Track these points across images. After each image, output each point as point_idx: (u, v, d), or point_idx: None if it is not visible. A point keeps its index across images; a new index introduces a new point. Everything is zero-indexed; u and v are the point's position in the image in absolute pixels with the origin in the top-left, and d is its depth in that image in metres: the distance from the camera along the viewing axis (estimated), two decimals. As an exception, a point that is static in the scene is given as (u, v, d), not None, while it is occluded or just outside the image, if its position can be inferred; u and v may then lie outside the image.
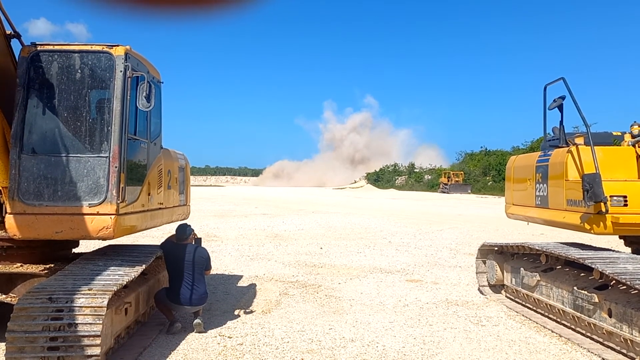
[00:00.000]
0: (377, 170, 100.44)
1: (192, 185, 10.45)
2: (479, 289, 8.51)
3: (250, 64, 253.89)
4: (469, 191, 63.17)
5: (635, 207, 5.79)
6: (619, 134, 6.90)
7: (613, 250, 6.37)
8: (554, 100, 6.64)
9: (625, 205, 5.78)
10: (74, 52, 5.35)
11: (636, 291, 5.06)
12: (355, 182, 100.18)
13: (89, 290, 4.52)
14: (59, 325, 4.27)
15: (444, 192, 63.95)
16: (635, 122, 6.79)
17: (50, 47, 5.35)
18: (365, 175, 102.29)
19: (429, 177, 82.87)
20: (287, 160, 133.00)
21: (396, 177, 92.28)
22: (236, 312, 6.99)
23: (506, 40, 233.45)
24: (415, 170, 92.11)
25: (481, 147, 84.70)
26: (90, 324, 4.28)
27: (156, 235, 11.99)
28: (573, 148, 6.31)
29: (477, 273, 8.63)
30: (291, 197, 45.81)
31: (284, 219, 22.27)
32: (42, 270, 5.46)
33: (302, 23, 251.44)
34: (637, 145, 6.50)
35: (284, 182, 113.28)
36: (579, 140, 6.53)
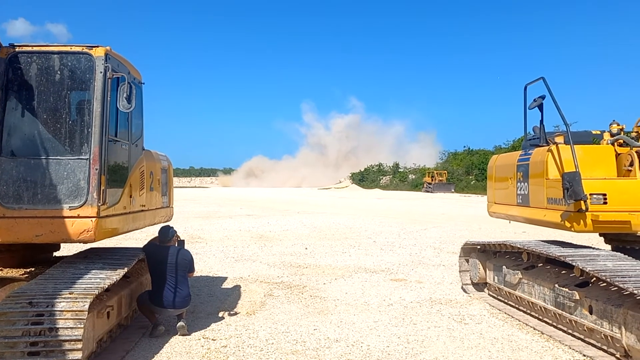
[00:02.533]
0: (362, 170, 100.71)
1: (176, 187, 10.38)
2: (462, 288, 8.58)
3: (231, 63, 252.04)
4: (453, 190, 63.69)
5: (615, 205, 5.88)
6: (598, 132, 6.98)
7: (593, 248, 6.45)
8: (534, 100, 6.71)
9: (605, 203, 5.86)
10: (53, 53, 5.28)
11: (616, 288, 5.13)
12: (340, 182, 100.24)
13: (70, 294, 4.46)
14: (40, 330, 4.20)
15: (428, 192, 64.40)
16: (614, 120, 6.89)
17: (29, 49, 5.28)
18: (350, 175, 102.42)
19: (413, 176, 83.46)
20: (267, 158, 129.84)
21: (381, 177, 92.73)
22: (220, 314, 6.96)
23: (487, 39, 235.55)
24: (399, 169, 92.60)
25: (464, 146, 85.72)
26: (71, 328, 4.22)
27: (139, 238, 11.89)
28: (553, 147, 6.38)
29: (460, 271, 8.70)
30: (276, 198, 45.75)
31: (269, 219, 22.23)
32: (22, 274, 5.39)
33: (276, 20, 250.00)
34: (616, 143, 6.60)
35: (259, 181, 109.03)
36: (559, 139, 6.60)
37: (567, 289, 5.81)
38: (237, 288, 8.67)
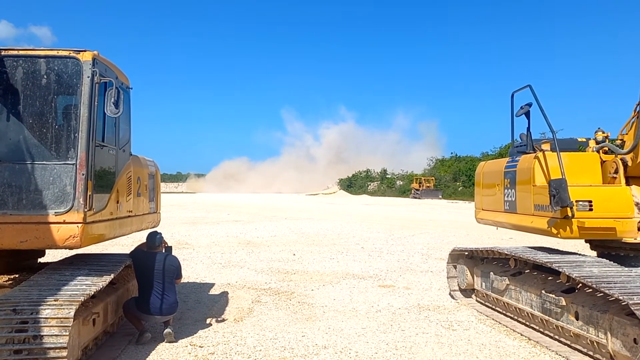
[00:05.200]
0: (350, 176, 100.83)
1: (163, 192, 10.31)
2: (450, 294, 8.60)
3: (218, 68, 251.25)
4: (440, 196, 64.02)
5: (600, 212, 5.93)
6: (584, 140, 7.05)
7: (579, 254, 6.50)
8: (521, 107, 6.75)
9: (591, 209, 5.91)
10: (39, 57, 5.23)
11: (602, 294, 5.17)
12: (328, 187, 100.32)
13: (55, 301, 4.40)
14: (24, 337, 4.15)
15: (416, 198, 64.71)
16: (599, 128, 6.97)
17: (15, 52, 5.23)
18: (338, 181, 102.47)
19: (401, 182, 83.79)
20: (248, 159, 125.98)
21: (369, 183, 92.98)
22: (208, 321, 6.91)
23: (473, 49, 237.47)
24: (387, 176, 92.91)
25: (451, 153, 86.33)
26: (56, 335, 4.17)
27: (126, 244, 11.79)
28: (540, 154, 6.43)
29: (448, 278, 8.72)
30: (263, 204, 45.67)
31: (257, 225, 22.17)
32: (7, 281, 5.31)
33: (254, 26, 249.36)
34: (601, 151, 6.67)
35: (238, 185, 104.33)
36: (546, 147, 6.66)
37: (553, 295, 5.85)
38: (224, 294, 8.61)
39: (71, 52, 5.26)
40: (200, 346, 5.82)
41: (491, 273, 7.36)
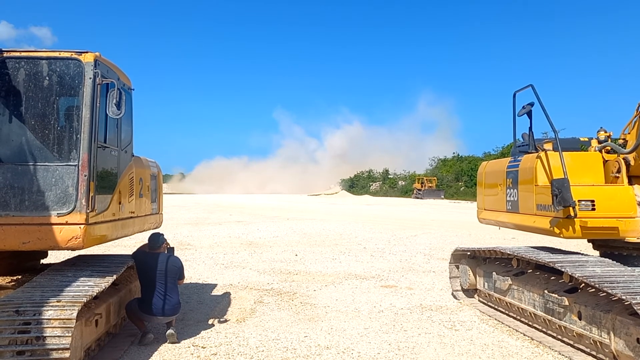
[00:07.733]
0: (352, 176, 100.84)
1: (165, 194, 10.32)
2: (452, 294, 8.59)
3: (219, 68, 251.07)
4: (442, 196, 64.06)
5: (603, 211, 5.92)
6: (586, 139, 7.05)
7: (582, 254, 6.49)
8: (523, 107, 6.74)
9: (593, 209, 5.90)
10: (41, 58, 5.24)
11: (605, 294, 5.16)
12: (330, 188, 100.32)
13: (57, 302, 4.41)
14: (27, 338, 4.15)
15: (418, 198, 64.72)
16: (601, 127, 6.96)
17: (17, 54, 5.24)
18: (340, 181, 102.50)
19: (403, 183, 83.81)
20: (247, 157, 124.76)
21: (370, 183, 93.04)
22: (210, 322, 6.91)
23: (475, 48, 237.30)
24: (389, 176, 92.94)
25: (453, 153, 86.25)
26: (59, 336, 4.17)
27: (128, 245, 11.80)
28: (542, 154, 6.43)
29: (450, 278, 8.71)
30: (265, 205, 45.71)
31: (259, 226, 22.17)
32: (9, 282, 5.32)
33: (250, 26, 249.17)
34: (603, 150, 6.66)
35: (229, 185, 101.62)
36: (548, 146, 6.64)
37: (556, 295, 5.84)
38: (226, 295, 8.62)
39: (73, 53, 5.27)
40: (202, 347, 5.82)
41: (494, 273, 7.35)
